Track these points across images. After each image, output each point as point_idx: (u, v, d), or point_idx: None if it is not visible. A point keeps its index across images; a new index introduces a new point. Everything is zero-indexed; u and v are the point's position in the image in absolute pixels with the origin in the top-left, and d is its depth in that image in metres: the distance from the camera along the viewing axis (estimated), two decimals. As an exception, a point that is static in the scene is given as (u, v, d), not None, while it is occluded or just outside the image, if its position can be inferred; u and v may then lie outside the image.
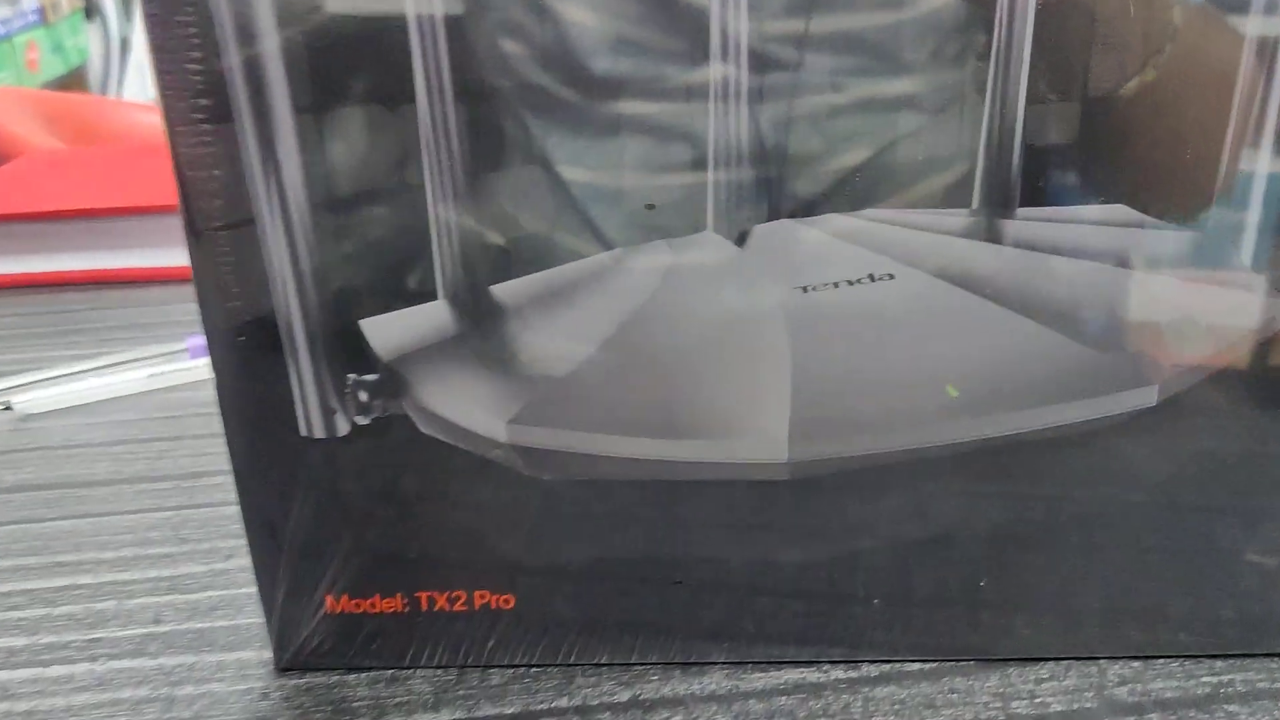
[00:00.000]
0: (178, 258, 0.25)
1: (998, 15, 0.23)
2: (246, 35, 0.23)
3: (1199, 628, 0.28)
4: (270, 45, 0.23)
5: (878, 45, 0.23)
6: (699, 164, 0.24)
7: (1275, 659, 0.28)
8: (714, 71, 0.23)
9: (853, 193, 0.24)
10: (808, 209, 0.24)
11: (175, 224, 0.25)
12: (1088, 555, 0.27)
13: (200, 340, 0.27)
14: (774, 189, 0.24)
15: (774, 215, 0.24)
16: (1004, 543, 0.27)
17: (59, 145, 0.81)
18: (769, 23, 0.23)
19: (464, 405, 0.26)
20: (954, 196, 0.24)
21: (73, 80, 1.77)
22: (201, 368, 0.45)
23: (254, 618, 0.31)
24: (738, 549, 0.27)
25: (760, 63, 0.23)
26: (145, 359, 0.48)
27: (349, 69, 0.23)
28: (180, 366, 0.47)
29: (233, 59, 0.23)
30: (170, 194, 0.25)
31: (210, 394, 0.26)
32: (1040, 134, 0.24)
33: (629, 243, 0.25)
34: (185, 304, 0.26)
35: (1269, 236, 0.24)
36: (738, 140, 0.24)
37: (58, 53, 1.72)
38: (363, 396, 0.26)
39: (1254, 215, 0.23)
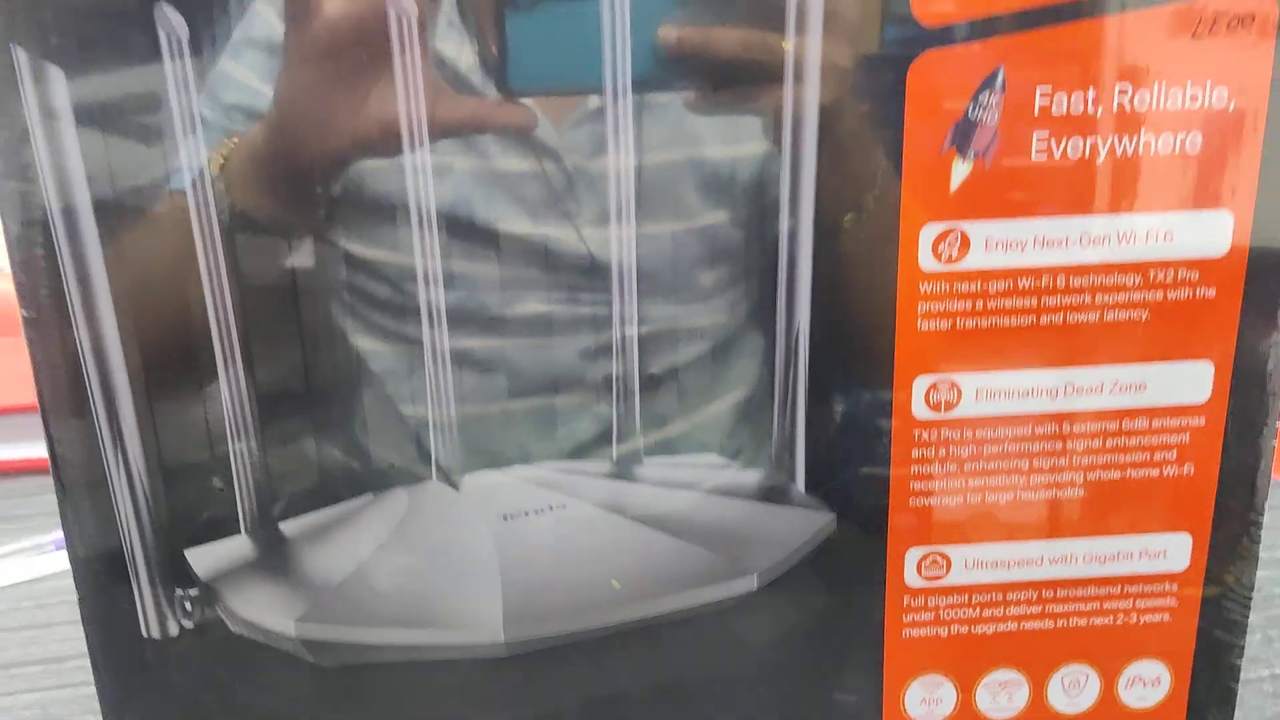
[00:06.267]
0: (43, 450, 0.36)
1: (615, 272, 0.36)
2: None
3: (815, 751, 0.41)
4: (120, 377, 0.35)
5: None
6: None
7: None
8: (430, 377, 0.36)
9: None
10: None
11: (38, 421, 0.36)
12: (726, 705, 0.40)
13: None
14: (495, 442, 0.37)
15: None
16: (664, 697, 0.39)
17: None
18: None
19: (261, 609, 0.38)
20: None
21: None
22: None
23: (109, 779, 0.42)
24: (478, 713, 0.39)
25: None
26: (14, 552, 0.59)
27: (171, 372, 0.36)
28: (47, 559, 0.58)
29: (92, 376, 0.35)
30: (32, 393, 0.36)
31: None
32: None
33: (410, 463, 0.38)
34: (51, 495, 0.36)
35: (817, 467, 0.37)
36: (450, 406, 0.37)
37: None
38: (187, 605, 0.38)
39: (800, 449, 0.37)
